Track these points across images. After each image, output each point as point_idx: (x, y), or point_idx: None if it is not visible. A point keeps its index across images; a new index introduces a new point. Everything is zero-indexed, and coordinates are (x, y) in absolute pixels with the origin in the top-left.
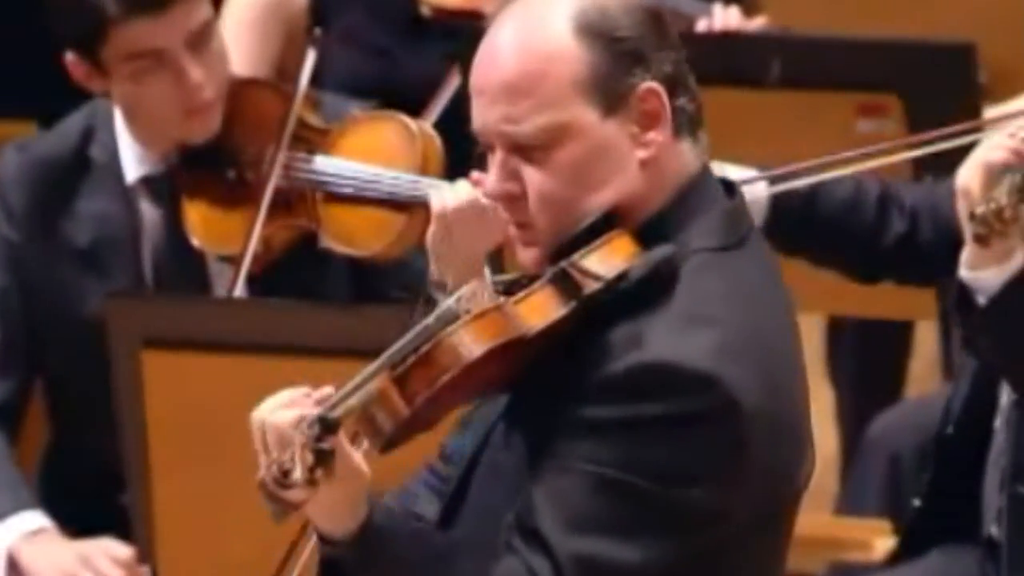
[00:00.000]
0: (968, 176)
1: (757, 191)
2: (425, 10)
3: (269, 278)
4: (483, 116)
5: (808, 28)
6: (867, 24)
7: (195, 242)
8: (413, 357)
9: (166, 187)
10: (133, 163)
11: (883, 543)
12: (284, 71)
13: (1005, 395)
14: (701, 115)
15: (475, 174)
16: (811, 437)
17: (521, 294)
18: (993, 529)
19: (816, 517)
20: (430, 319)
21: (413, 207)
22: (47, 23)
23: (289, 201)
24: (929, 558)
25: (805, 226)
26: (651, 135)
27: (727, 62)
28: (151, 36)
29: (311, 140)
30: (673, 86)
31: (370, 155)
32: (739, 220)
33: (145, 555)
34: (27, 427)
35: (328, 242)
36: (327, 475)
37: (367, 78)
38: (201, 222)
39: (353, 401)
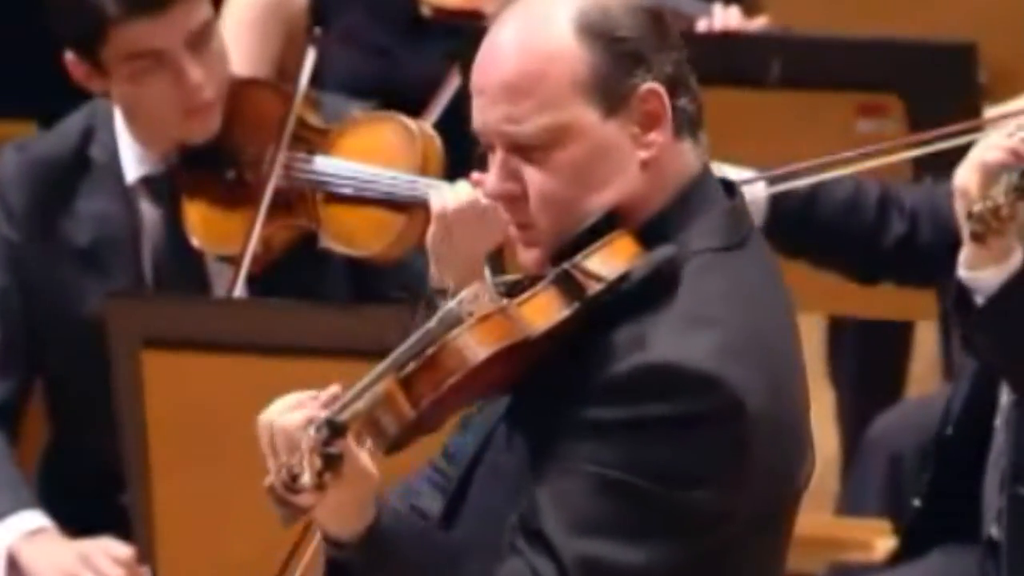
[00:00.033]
0: (965, 176)
1: (756, 192)
2: (425, 10)
3: (269, 278)
4: (484, 116)
5: (808, 28)
6: (867, 24)
7: (195, 242)
8: (418, 360)
9: (166, 187)
10: (133, 163)
11: (883, 543)
12: (284, 71)
13: (1005, 395)
14: (702, 115)
15: (475, 174)
16: (811, 437)
17: (524, 296)
18: (993, 529)
19: (816, 517)
20: (433, 322)
21: (413, 207)
22: (47, 23)
23: (289, 201)
24: (929, 558)
25: (804, 227)
26: (652, 136)
27: (727, 62)
28: (151, 36)
29: (311, 140)
30: (674, 86)
31: (370, 155)
32: (740, 220)
33: (145, 555)
34: (27, 427)
35: (328, 242)
36: (336, 479)
37: (367, 78)
38: (201, 222)
39: (359, 404)
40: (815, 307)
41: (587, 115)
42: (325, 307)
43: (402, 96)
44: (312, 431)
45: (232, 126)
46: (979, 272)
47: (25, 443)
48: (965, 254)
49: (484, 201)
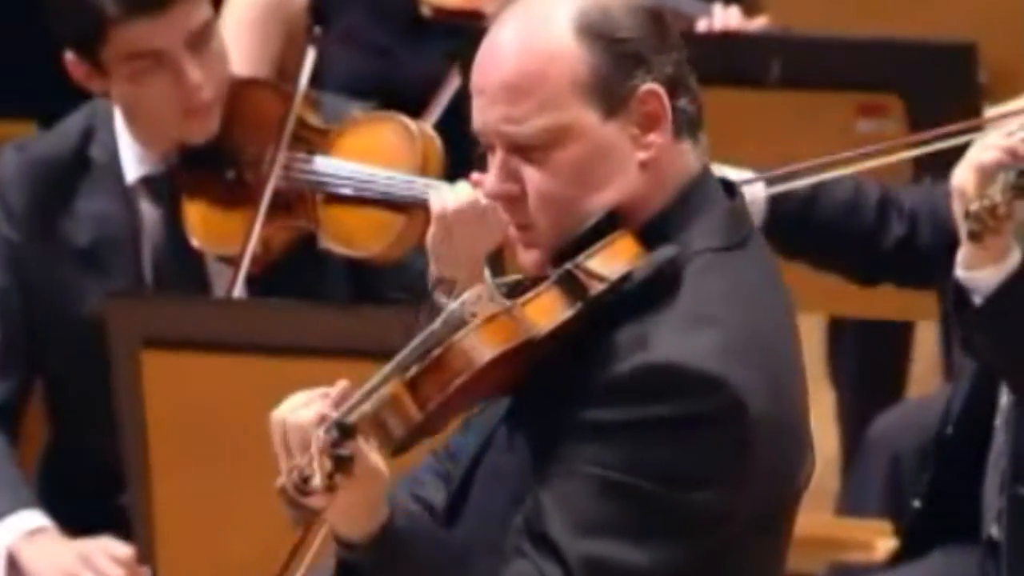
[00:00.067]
0: (962, 176)
1: (755, 192)
2: (425, 10)
3: (268, 279)
4: (483, 116)
5: (808, 28)
6: (867, 24)
7: (195, 242)
8: (424, 362)
9: (166, 187)
10: (133, 163)
11: (884, 543)
12: (284, 71)
13: (1005, 395)
14: (702, 116)
15: (475, 175)
16: (811, 438)
17: (528, 296)
18: (993, 529)
19: (817, 518)
20: (436, 324)
21: (413, 208)
22: (47, 23)
23: (289, 202)
24: (930, 559)
25: (804, 228)
26: (651, 136)
27: (727, 62)
28: (151, 36)
29: (311, 140)
30: (674, 87)
31: (370, 156)
32: (741, 220)
33: (145, 555)
34: (27, 427)
35: (327, 243)
36: (347, 480)
37: (367, 78)
38: (201, 222)
39: (366, 407)
40: (815, 307)
41: (587, 116)
42: (325, 307)
43: (402, 96)
44: (321, 433)
45: (232, 126)
46: (977, 272)
47: (25, 443)
48: (963, 254)
49: (484, 202)
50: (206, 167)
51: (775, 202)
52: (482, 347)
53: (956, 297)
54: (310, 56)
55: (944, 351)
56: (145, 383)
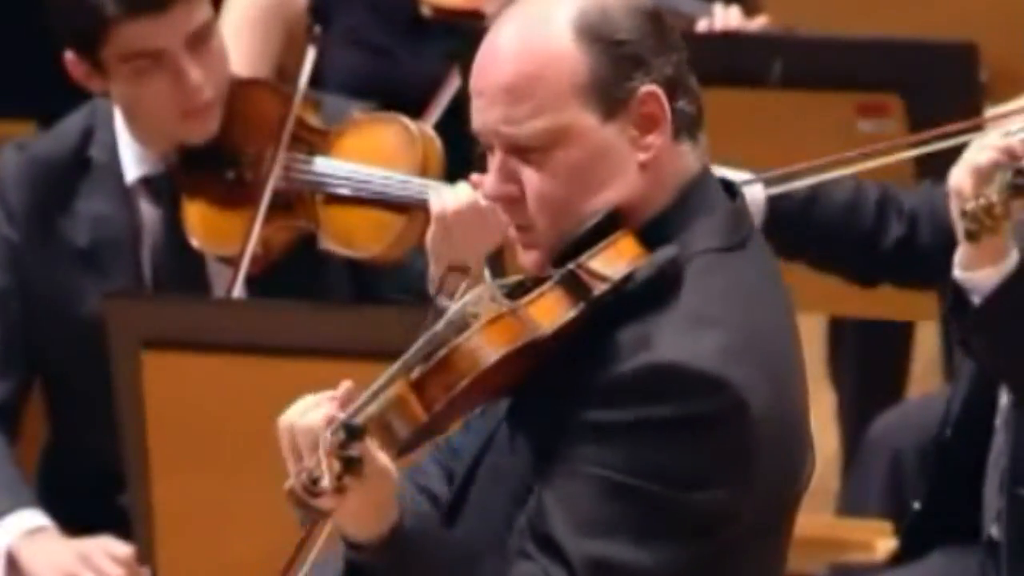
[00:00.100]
0: (959, 177)
1: (754, 193)
2: (425, 10)
3: (268, 279)
4: (482, 117)
5: (808, 28)
6: (867, 24)
7: (194, 242)
8: (429, 363)
9: (166, 187)
10: (133, 163)
11: (884, 544)
12: (284, 71)
13: (1004, 396)
14: (702, 117)
15: (475, 176)
16: (811, 437)
17: (531, 296)
18: (993, 530)
19: (817, 518)
20: (439, 325)
21: (413, 209)
22: (47, 23)
23: (289, 202)
24: (930, 559)
25: (803, 229)
26: (650, 138)
27: (728, 62)
28: (151, 36)
29: (311, 141)
30: (673, 89)
31: (370, 157)
32: (741, 221)
33: (145, 555)
34: (27, 427)
35: (327, 243)
36: (356, 481)
37: (367, 78)
38: (200, 222)
39: (372, 408)
40: (816, 307)
41: (585, 118)
42: (325, 308)
43: (402, 96)
44: (329, 434)
45: (232, 126)
46: (975, 273)
47: (25, 443)
48: (961, 254)
49: (484, 203)
50: (206, 167)
51: (774, 203)
52: (488, 348)
53: (954, 298)
54: (310, 56)
55: (944, 351)
56: (145, 383)
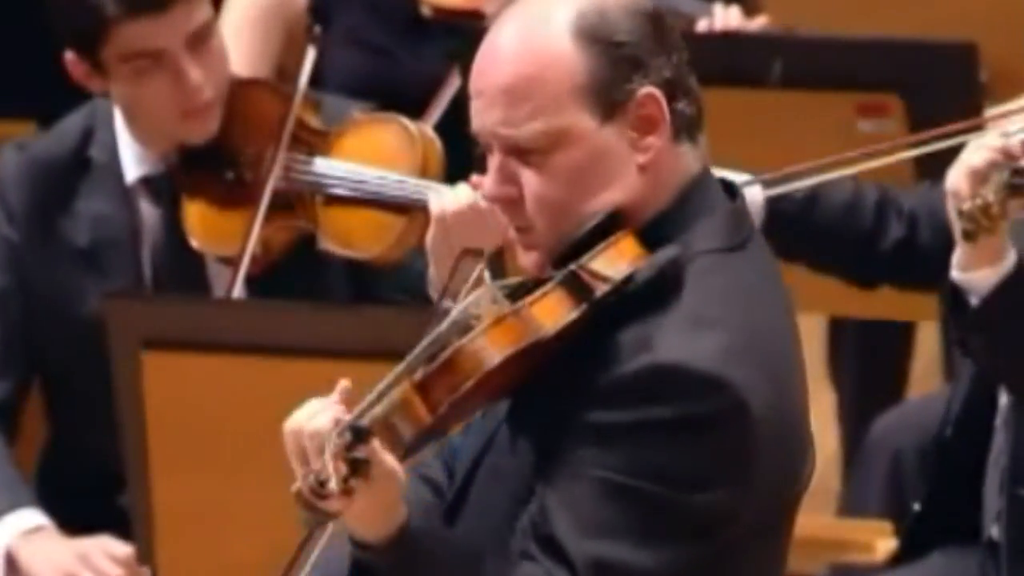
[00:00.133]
0: (956, 178)
1: (753, 194)
2: (425, 10)
3: (268, 280)
4: (481, 118)
5: (809, 28)
6: (867, 24)
7: (194, 243)
8: (433, 365)
9: (166, 187)
10: (133, 163)
11: (885, 544)
12: (284, 71)
13: (1004, 396)
14: (702, 118)
15: (475, 177)
16: (811, 438)
17: (533, 297)
18: (994, 530)
19: (817, 518)
20: (442, 327)
21: (412, 210)
22: (47, 23)
23: (288, 202)
24: (930, 560)
25: (802, 230)
26: (649, 140)
27: (728, 62)
28: (151, 36)
29: (311, 142)
30: (673, 90)
31: (370, 157)
32: (741, 221)
33: (145, 556)
34: (26, 426)
35: (327, 244)
36: (363, 483)
37: (367, 78)
38: (200, 223)
39: (377, 410)
40: (816, 308)
41: (584, 120)
42: (325, 308)
43: (402, 96)
44: (335, 436)
45: (232, 126)
46: (973, 273)
47: (24, 443)
48: (958, 255)
49: (483, 204)
50: (206, 167)
51: (773, 204)
52: (492, 349)
53: (952, 298)
54: (310, 56)
55: (945, 351)
56: (145, 383)
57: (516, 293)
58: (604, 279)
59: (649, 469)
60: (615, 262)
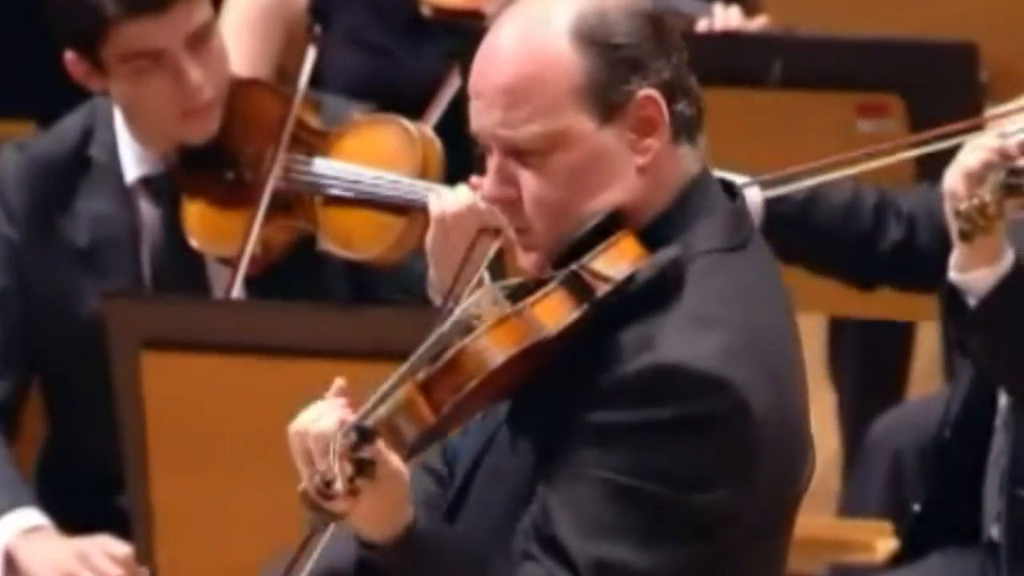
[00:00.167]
0: (952, 179)
1: (752, 196)
2: (425, 10)
3: (267, 280)
4: (480, 120)
5: (808, 28)
6: (868, 24)
7: (194, 243)
8: (436, 365)
9: (165, 187)
10: (133, 163)
11: (885, 544)
12: (284, 71)
13: (1004, 397)
14: (702, 119)
15: (474, 179)
16: (811, 438)
17: (535, 297)
18: (993, 531)
19: (818, 518)
20: (444, 327)
21: (412, 211)
22: (47, 23)
23: (288, 203)
24: (930, 560)
25: (800, 232)
26: (649, 141)
27: (728, 62)
28: (151, 36)
29: (311, 142)
30: (672, 92)
31: (370, 158)
32: (742, 221)
33: (144, 556)
34: (25, 426)
35: (327, 245)
36: (369, 483)
37: (367, 78)
38: (200, 223)
39: (381, 411)
40: (817, 308)
41: (582, 122)
42: (324, 308)
43: (402, 96)
44: (340, 437)
45: (232, 126)
46: (970, 274)
47: (24, 443)
48: (956, 256)
49: (483, 205)
50: (205, 167)
51: (771, 206)
52: (494, 349)
53: (950, 299)
54: (310, 56)
55: (945, 351)
56: (145, 384)
57: (517, 294)
58: (605, 279)
59: (650, 469)
60: (616, 262)
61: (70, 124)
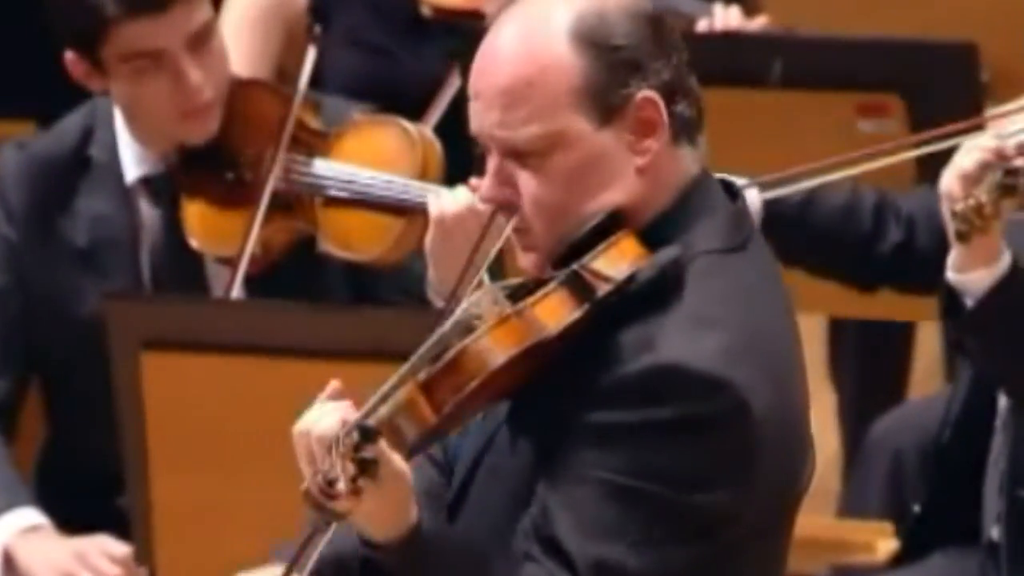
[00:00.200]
0: (948, 180)
1: (750, 198)
2: (425, 10)
3: (267, 281)
4: (479, 120)
5: (808, 28)
6: (868, 24)
7: (193, 243)
8: (437, 365)
9: (165, 187)
10: (133, 163)
11: (885, 545)
12: (284, 71)
13: (1004, 398)
14: (702, 120)
15: (474, 180)
16: (812, 438)
17: (535, 297)
18: (994, 532)
19: (818, 519)
20: (445, 327)
21: (412, 212)
22: (47, 23)
23: (288, 203)
24: (931, 561)
25: (800, 234)
26: (648, 143)
27: (728, 62)
28: (151, 36)
29: (310, 143)
30: (672, 93)
31: (370, 159)
32: (742, 222)
33: (143, 556)
34: (25, 426)
35: (326, 246)
36: (372, 483)
37: (367, 78)
38: (199, 223)
39: (383, 411)
40: (817, 308)
41: (581, 124)
42: (324, 309)
43: (402, 96)
44: (343, 436)
45: (232, 127)
46: (968, 275)
47: (23, 442)
48: (953, 256)
49: (482, 206)
50: (205, 167)
51: (770, 207)
52: (496, 349)
53: (948, 300)
54: (310, 56)
55: (946, 352)
56: (144, 383)
57: (517, 294)
58: (606, 279)
59: (650, 470)
60: (616, 262)
61: (70, 124)
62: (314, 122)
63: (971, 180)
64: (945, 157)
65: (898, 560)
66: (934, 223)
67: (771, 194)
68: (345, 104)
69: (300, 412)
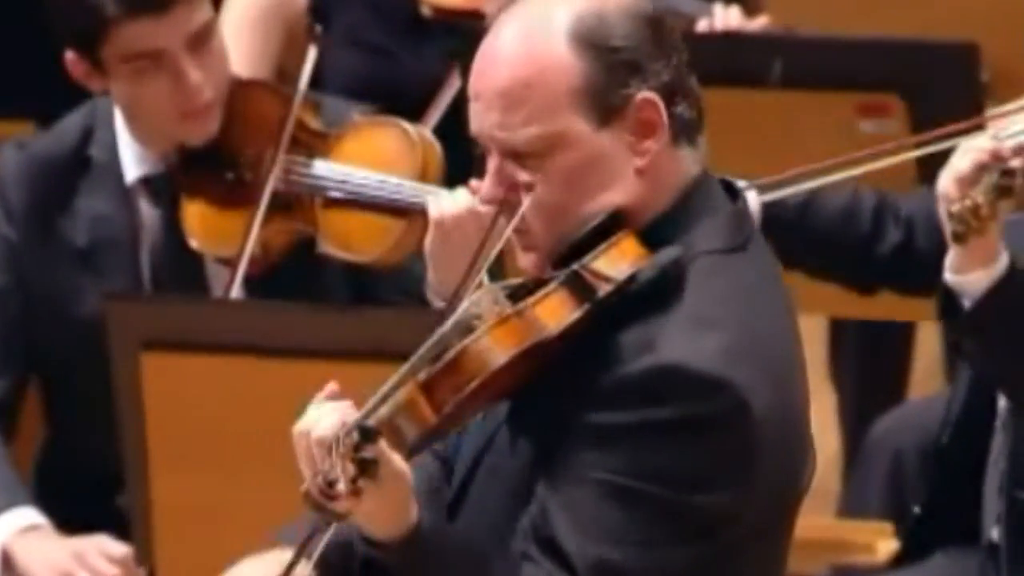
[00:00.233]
0: (945, 181)
1: (749, 199)
2: (426, 10)
3: (266, 282)
4: (479, 121)
5: (809, 28)
6: (868, 24)
7: (193, 243)
8: (438, 365)
9: (165, 187)
10: (133, 163)
11: (886, 545)
12: (284, 71)
13: (1003, 398)
14: (702, 120)
15: (474, 182)
16: (812, 439)
17: (536, 297)
18: (993, 533)
19: (818, 519)
20: (446, 327)
21: (411, 213)
22: (47, 23)
23: (287, 204)
24: (931, 561)
25: (799, 236)
26: (647, 144)
27: (728, 62)
28: (151, 36)
29: (310, 144)
30: (671, 94)
31: (370, 161)
32: (742, 222)
33: (143, 556)
34: (24, 426)
35: (326, 247)
36: (371, 483)
37: (367, 78)
38: (199, 223)
39: (383, 411)
40: (817, 309)
41: (580, 125)
42: (324, 309)
43: (402, 96)
44: (343, 437)
45: (232, 127)
46: (965, 276)
47: (22, 442)
48: (951, 257)
49: (482, 208)
50: (205, 168)
51: (769, 210)
52: (496, 349)
53: (946, 301)
54: (311, 56)
55: (946, 352)
56: (144, 383)
57: (517, 294)
58: (606, 279)
59: (650, 470)
60: (617, 262)
61: (70, 124)
62: (314, 123)
63: (967, 181)
64: (946, 157)
65: (898, 561)
66: (933, 224)
67: (770, 196)
68: (345, 105)
69: (300, 412)
